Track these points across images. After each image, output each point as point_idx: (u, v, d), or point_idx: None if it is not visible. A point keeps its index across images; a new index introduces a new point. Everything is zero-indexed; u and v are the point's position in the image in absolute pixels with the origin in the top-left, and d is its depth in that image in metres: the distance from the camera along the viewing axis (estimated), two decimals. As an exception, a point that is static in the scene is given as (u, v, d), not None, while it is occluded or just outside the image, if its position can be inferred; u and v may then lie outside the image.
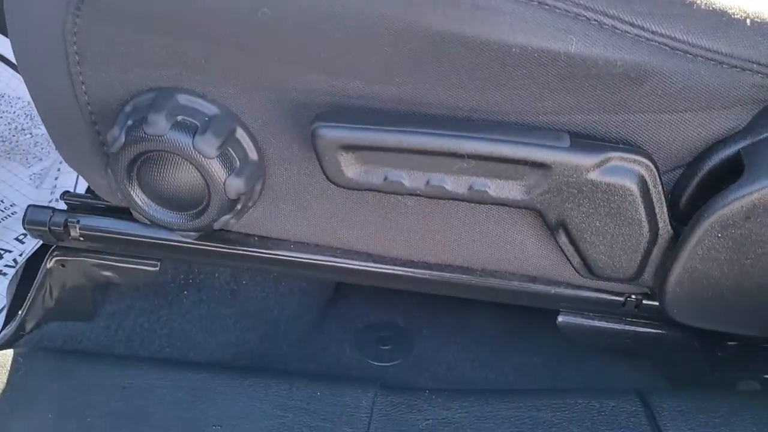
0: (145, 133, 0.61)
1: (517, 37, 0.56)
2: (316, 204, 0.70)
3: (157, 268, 0.79)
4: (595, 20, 0.56)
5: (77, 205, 0.78)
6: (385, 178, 0.62)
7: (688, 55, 0.57)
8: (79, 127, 0.67)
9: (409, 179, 0.62)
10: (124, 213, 0.74)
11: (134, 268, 0.80)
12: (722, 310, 0.67)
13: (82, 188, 1.09)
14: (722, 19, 0.57)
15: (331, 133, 0.60)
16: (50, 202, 1.11)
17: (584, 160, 0.59)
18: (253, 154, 0.66)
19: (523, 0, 0.55)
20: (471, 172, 0.61)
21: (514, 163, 0.60)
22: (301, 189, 0.69)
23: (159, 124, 0.61)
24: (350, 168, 0.62)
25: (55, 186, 1.13)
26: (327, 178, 0.63)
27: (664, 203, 0.62)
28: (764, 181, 0.57)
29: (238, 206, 0.68)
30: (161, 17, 0.59)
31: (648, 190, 0.61)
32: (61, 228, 0.76)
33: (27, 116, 1.27)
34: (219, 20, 0.58)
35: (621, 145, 0.61)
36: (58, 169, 1.16)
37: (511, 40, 0.56)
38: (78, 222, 0.76)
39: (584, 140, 0.60)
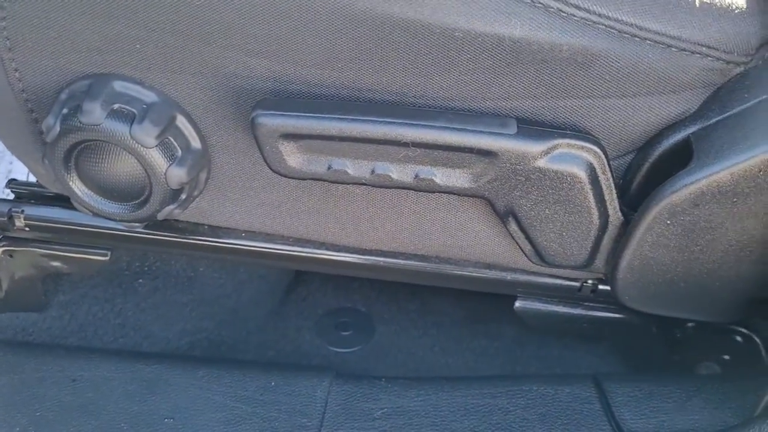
0: (80, 122, 0.59)
1: (460, 20, 0.54)
2: (263, 193, 0.68)
3: (108, 258, 0.78)
4: (540, 3, 0.54)
5: (24, 193, 0.76)
6: (329, 167, 0.60)
7: (636, 39, 0.56)
8: (16, 115, 0.65)
9: (353, 168, 0.60)
10: (71, 202, 0.72)
11: (84, 258, 0.78)
12: (673, 296, 0.66)
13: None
14: (671, 0, 0.56)
15: (272, 122, 0.58)
16: (4, 189, 1.09)
17: (531, 147, 0.58)
18: (195, 143, 0.64)
19: None
20: (417, 161, 0.59)
21: (460, 151, 0.58)
22: (247, 177, 0.67)
23: (94, 113, 0.59)
24: (292, 157, 0.60)
25: (10, 172, 1.11)
26: (269, 167, 0.61)
27: (614, 190, 0.61)
28: (712, 168, 0.56)
29: (183, 196, 0.66)
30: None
31: (597, 176, 0.60)
32: (6, 218, 0.74)
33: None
34: (150, 2, 0.56)
35: (569, 132, 0.60)
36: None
37: (453, 24, 0.55)
38: (23, 212, 0.74)
39: (532, 127, 0.59)
